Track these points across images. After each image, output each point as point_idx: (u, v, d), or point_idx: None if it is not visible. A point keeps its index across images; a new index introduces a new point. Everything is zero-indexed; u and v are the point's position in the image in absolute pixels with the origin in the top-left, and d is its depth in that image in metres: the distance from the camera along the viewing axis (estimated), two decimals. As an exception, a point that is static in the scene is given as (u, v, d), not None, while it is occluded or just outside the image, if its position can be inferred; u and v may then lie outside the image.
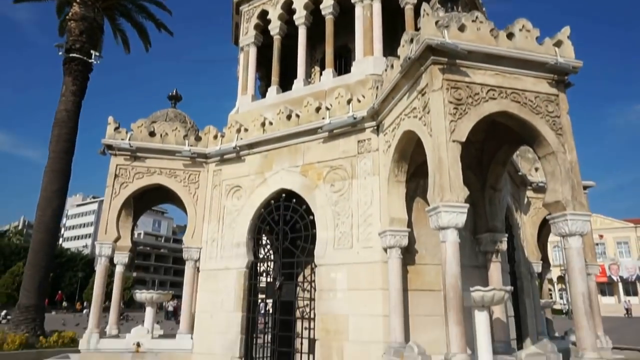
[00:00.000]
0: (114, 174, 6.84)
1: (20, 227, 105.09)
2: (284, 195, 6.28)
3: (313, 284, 5.88)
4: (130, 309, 48.27)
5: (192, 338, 6.45)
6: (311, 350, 6.33)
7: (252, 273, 6.36)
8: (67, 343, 13.74)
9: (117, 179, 6.84)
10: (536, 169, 8.15)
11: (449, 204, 3.94)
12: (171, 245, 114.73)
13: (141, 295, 6.80)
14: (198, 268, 6.82)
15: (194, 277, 6.77)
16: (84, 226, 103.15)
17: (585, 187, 8.30)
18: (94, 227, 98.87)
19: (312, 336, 6.23)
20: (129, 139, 6.88)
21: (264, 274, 6.53)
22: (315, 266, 5.70)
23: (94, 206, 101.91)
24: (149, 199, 8.14)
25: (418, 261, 5.35)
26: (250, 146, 6.70)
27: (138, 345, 6.22)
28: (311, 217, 5.91)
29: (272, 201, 6.35)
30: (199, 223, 6.93)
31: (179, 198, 7.26)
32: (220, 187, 6.94)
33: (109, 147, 6.92)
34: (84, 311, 48.09)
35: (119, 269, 7.59)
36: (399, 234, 5.07)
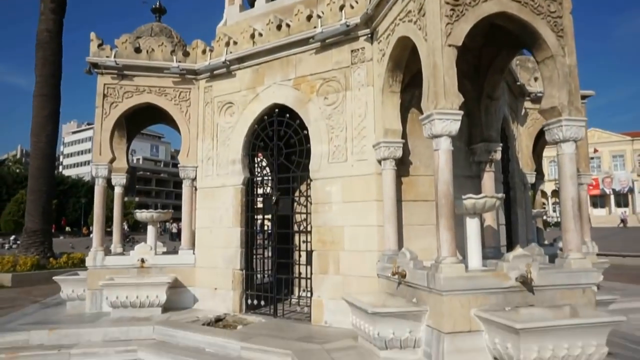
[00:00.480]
0: (102, 93, 6.66)
1: (18, 156, 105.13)
2: (277, 110, 6.16)
3: (309, 198, 5.98)
4: (136, 232, 49.79)
5: (194, 253, 6.67)
6: (309, 261, 6.59)
7: (249, 189, 6.43)
8: (77, 263, 14.33)
9: (106, 99, 6.67)
10: (535, 79, 7.95)
11: (443, 111, 3.87)
12: (170, 169, 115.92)
13: (141, 214, 6.93)
14: (195, 187, 6.88)
15: (192, 196, 6.85)
16: (82, 153, 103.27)
17: (584, 97, 8.16)
18: (92, 154, 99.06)
19: (309, 248, 6.44)
20: (114, 57, 6.61)
21: (261, 190, 6.60)
22: (311, 180, 5.74)
23: (90, 133, 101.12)
24: (142, 120, 8.02)
25: (412, 172, 5.39)
26: (241, 60, 6.46)
27: (142, 261, 6.45)
28: (305, 132, 5.85)
29: (266, 117, 6.25)
30: (193, 142, 6.88)
31: (171, 117, 7.13)
32: (212, 104, 6.80)
33: (95, 65, 6.67)
34: (91, 235, 49.77)
35: (117, 191, 7.68)
36: (393, 146, 5.05)
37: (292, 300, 6.42)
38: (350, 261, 5.29)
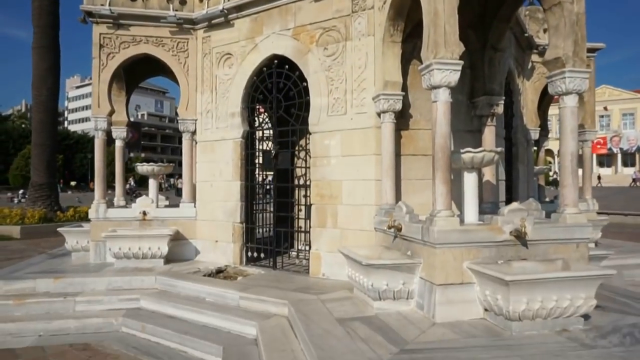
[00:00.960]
0: (98, 44, 6.51)
1: (23, 111, 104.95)
2: (276, 61, 6.02)
3: (308, 152, 5.93)
4: (143, 187, 50.29)
5: (195, 206, 6.73)
6: (308, 215, 6.65)
7: (248, 143, 6.39)
8: (83, 217, 14.54)
9: (103, 49, 6.53)
10: (544, 31, 7.65)
11: (443, 61, 3.76)
12: (175, 125, 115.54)
13: (142, 168, 6.95)
14: (195, 140, 6.84)
15: (192, 149, 6.83)
16: (86, 108, 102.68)
17: (593, 50, 7.91)
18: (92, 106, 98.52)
19: (308, 202, 6.48)
20: (109, 4, 6.40)
21: (260, 143, 6.56)
22: (310, 134, 5.69)
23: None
24: (141, 72, 7.89)
25: (412, 126, 5.31)
26: (239, 8, 6.24)
27: (144, 213, 6.53)
28: (305, 84, 5.73)
29: (265, 68, 6.11)
30: (192, 94, 6.78)
31: (170, 69, 7.01)
32: (211, 55, 6.65)
33: (89, 14, 6.48)
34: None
35: (118, 144, 7.68)
36: (393, 98, 4.95)
37: (292, 253, 6.52)
38: (348, 215, 5.32)
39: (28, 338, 4.64)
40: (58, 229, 6.82)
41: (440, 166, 3.80)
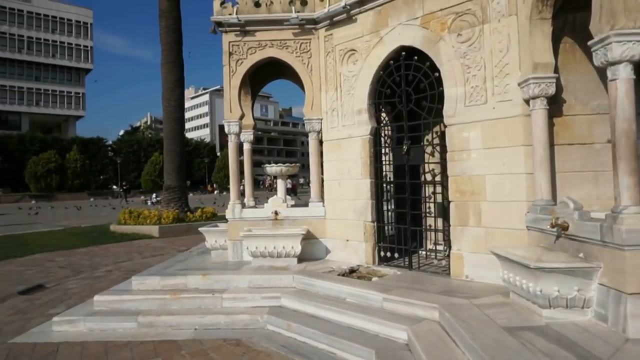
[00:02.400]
0: (227, 51, 6.82)
1: (148, 123, 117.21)
2: (403, 53, 5.77)
3: (437, 147, 5.57)
4: (255, 188, 53.15)
5: (323, 205, 6.75)
6: (439, 213, 6.30)
7: (376, 139, 6.23)
8: (209, 217, 15.66)
9: (232, 56, 6.83)
10: None
11: (623, 31, 3.22)
12: (280, 128, 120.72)
13: (271, 168, 7.16)
14: (321, 139, 6.86)
15: (318, 148, 6.86)
16: (200, 117, 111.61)
17: None
18: (209, 117, 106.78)
19: (440, 199, 6.14)
20: (236, 13, 6.68)
21: (388, 139, 6.36)
22: (445, 126, 5.35)
23: (206, 97, 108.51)
24: (263, 77, 8.16)
25: (566, 112, 4.72)
26: (361, 2, 6.11)
27: (276, 213, 6.70)
28: (436, 74, 5.40)
29: (392, 62, 5.89)
30: (316, 93, 6.81)
31: (291, 71, 7.14)
32: (334, 53, 6.61)
33: (219, 24, 6.81)
34: (215, 192, 54.43)
35: (246, 147, 8.02)
36: (545, 82, 4.42)
37: (422, 253, 6.24)
38: (494, 212, 4.88)
39: (186, 331, 4.96)
40: (199, 229, 7.30)
41: (625, 155, 3.26)
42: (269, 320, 4.99)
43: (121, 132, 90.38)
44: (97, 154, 53.75)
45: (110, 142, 58.87)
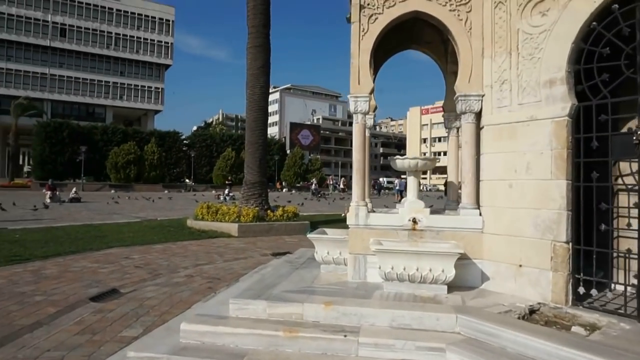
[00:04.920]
0: (358, 4, 5.15)
1: (220, 120, 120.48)
2: (638, -8, 3.79)
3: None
4: (323, 188, 51.92)
5: (480, 214, 4.90)
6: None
7: (577, 124, 4.28)
8: (291, 217, 14.21)
9: (363, 10, 5.16)
10: None
11: None
12: (348, 128, 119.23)
13: (402, 161, 5.39)
14: (478, 124, 5.02)
15: (475, 136, 5.01)
16: (270, 115, 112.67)
17: None
18: (279, 115, 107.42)
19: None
20: (373, -47, 5.00)
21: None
22: None
23: (277, 95, 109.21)
24: (390, 45, 6.42)
25: None
26: None
27: (414, 221, 4.94)
28: None
29: (616, 5, 3.93)
30: (476, 60, 4.97)
31: (427, 38, 5.42)
32: (508, 4, 4.72)
33: (348, -30, 5.18)
34: (284, 190, 53.85)
35: (367, 134, 6.32)
36: None
37: (616, 287, 4.23)
38: None
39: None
40: (308, 236, 5.69)
41: None
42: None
43: (194, 128, 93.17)
44: (172, 147, 55.05)
45: (184, 136, 60.21)
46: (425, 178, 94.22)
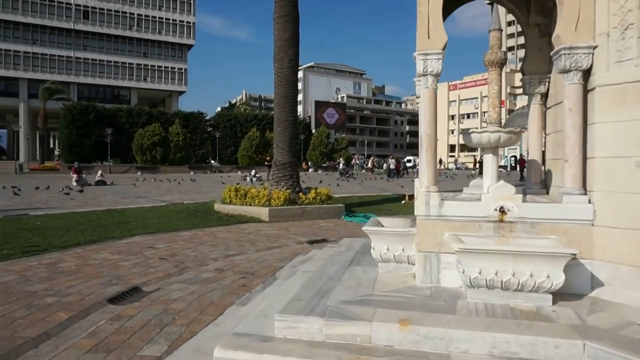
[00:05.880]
0: None
1: (243, 100, 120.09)
2: None
3: None
4: (349, 167, 50.66)
5: (590, 202, 3.80)
6: None
7: None
8: (324, 200, 13.27)
9: (435, -58, 4.03)
10: None
11: None
12: (372, 106, 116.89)
13: (481, 135, 4.29)
14: (585, 85, 3.88)
15: (582, 100, 3.88)
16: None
17: None
18: (303, 94, 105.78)
19: None
20: None
21: None
22: None
23: (300, 74, 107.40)
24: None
25: None
26: None
27: (502, 211, 3.89)
28: None
29: None
30: (585, 2, 3.80)
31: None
32: None
33: None
34: (310, 170, 52.94)
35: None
36: None
37: None
38: None
39: None
40: (363, 229, 4.66)
41: None
42: None
43: (218, 109, 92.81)
44: (197, 128, 54.58)
45: (208, 117, 59.69)
46: (453, 156, 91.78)
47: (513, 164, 50.32)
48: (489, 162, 4.45)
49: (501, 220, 3.93)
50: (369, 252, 5.46)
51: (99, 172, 28.65)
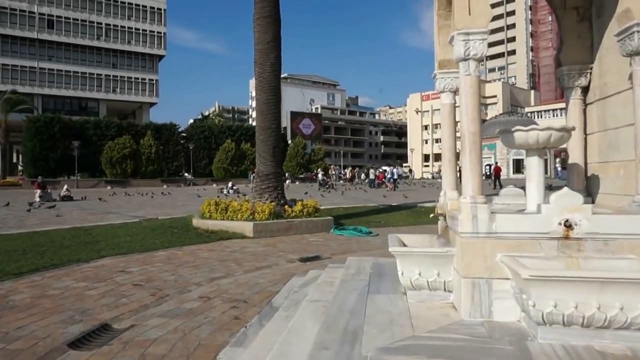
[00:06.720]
0: None
1: (217, 112, 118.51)
2: None
3: None
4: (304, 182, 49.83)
5: (678, 210, 3.10)
6: None
7: None
8: (311, 212, 12.44)
9: None
10: None
11: None
12: (347, 117, 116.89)
13: (527, 135, 3.55)
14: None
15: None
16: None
17: None
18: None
19: None
20: None
21: None
22: None
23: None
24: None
25: None
26: None
27: (569, 226, 3.14)
28: None
29: None
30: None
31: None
32: None
33: None
34: (287, 182, 51.85)
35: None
36: None
37: None
38: None
39: None
40: (390, 250, 3.78)
41: None
42: None
43: (191, 120, 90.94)
44: (169, 140, 52.85)
45: (181, 129, 58.02)
46: (427, 165, 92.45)
47: (487, 172, 49.90)
48: (535, 167, 3.70)
49: (567, 237, 3.18)
50: (384, 275, 4.67)
51: (65, 186, 26.91)
